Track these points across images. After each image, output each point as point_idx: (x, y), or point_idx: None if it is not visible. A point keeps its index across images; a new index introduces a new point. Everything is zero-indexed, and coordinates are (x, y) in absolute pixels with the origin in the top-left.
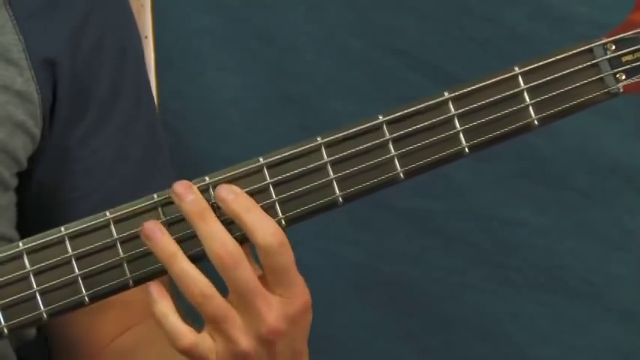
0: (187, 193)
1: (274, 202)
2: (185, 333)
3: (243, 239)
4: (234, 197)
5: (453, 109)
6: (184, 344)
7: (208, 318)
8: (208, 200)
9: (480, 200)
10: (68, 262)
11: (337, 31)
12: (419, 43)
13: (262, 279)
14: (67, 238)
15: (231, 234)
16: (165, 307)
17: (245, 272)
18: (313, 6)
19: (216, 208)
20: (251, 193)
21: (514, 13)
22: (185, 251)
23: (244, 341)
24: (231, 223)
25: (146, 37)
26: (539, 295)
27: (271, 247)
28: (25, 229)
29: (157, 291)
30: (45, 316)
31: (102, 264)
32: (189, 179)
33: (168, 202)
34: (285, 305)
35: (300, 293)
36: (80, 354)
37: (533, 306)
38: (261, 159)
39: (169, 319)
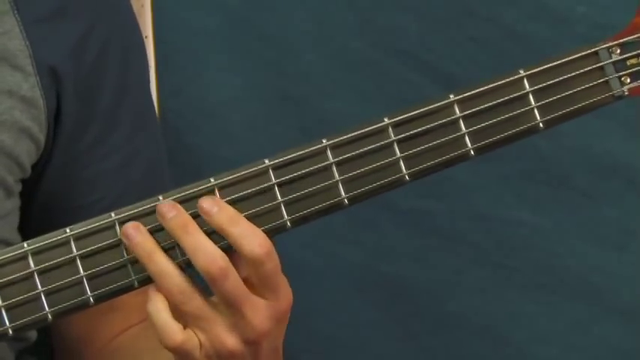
0: (169, 210)
1: (280, 203)
2: (175, 331)
3: (230, 247)
4: (218, 210)
5: (458, 112)
6: (174, 341)
7: (189, 316)
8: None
9: (480, 200)
10: (73, 262)
11: (337, 31)
12: (419, 43)
13: (248, 282)
14: (72, 239)
15: (218, 242)
16: (158, 304)
17: (232, 282)
18: (313, 6)
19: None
20: (256, 194)
21: (514, 13)
22: (183, 255)
23: (230, 341)
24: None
25: (146, 37)
26: (539, 295)
27: (259, 258)
28: (29, 234)
29: (152, 288)
30: (50, 317)
31: (107, 265)
32: (189, 179)
33: None
34: (271, 308)
35: (284, 295)
36: (82, 351)
37: (533, 306)
38: (266, 160)
39: (161, 315)
